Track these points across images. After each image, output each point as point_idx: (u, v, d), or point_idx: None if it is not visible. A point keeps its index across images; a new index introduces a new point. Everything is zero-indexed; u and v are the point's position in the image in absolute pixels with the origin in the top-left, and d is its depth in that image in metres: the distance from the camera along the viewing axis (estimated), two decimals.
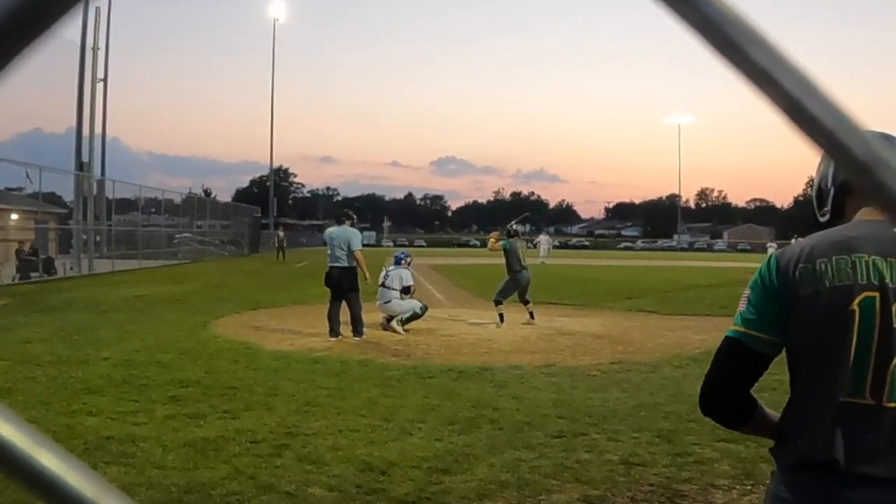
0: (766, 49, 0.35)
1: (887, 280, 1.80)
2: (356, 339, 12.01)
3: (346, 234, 12.44)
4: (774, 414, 2.07)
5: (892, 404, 1.78)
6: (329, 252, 12.47)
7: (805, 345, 1.89)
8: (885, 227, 1.85)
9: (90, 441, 6.13)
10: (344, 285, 12.26)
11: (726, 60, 0.35)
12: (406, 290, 13.70)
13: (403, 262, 14.39)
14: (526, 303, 14.73)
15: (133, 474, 5.37)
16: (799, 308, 1.87)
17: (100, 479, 0.37)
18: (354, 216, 13.43)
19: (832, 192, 1.98)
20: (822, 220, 2.07)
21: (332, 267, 12.40)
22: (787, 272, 1.90)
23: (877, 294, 1.80)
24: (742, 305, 1.99)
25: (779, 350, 1.95)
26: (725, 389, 2.03)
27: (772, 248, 53.61)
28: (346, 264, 12.30)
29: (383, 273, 13.86)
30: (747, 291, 2.00)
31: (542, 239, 50.63)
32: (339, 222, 12.88)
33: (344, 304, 12.28)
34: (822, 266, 1.85)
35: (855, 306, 1.80)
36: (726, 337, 2.00)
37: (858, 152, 0.36)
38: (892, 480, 1.77)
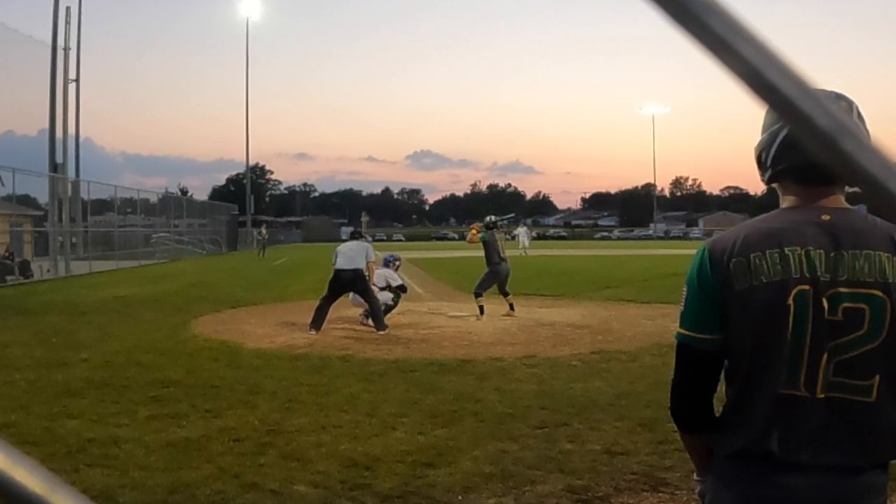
0: (725, 18, 0.35)
1: (818, 272, 1.83)
2: (380, 332, 12.19)
3: (364, 247, 13.19)
4: None
5: (824, 395, 1.82)
6: (341, 258, 12.87)
7: (742, 339, 1.91)
8: (812, 216, 1.88)
9: (71, 444, 6.08)
10: (358, 286, 12.75)
11: (685, 31, 0.35)
12: (402, 289, 14.13)
13: (392, 265, 14.51)
14: (506, 294, 14.76)
15: (116, 476, 5.34)
16: (735, 303, 1.90)
17: (48, 475, 0.36)
18: (369, 237, 15.13)
19: (769, 172, 1.99)
20: (763, 182, 2.09)
21: (344, 269, 12.72)
22: (721, 265, 1.91)
23: (809, 287, 1.82)
24: (682, 304, 2.02)
25: (726, 344, 1.97)
26: (685, 392, 2.07)
27: None
28: (360, 266, 12.78)
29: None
30: (685, 288, 2.02)
31: (521, 231, 50.73)
32: (354, 237, 13.84)
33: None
34: (757, 260, 1.86)
35: (790, 301, 1.83)
36: (676, 341, 2.05)
37: (821, 121, 0.36)
38: (825, 467, 1.82)
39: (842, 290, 1.82)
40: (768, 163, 1.97)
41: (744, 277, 1.87)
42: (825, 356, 1.81)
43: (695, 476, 2.22)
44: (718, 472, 1.99)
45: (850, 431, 1.83)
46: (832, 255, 1.83)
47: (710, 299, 1.94)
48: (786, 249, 1.85)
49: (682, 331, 2.01)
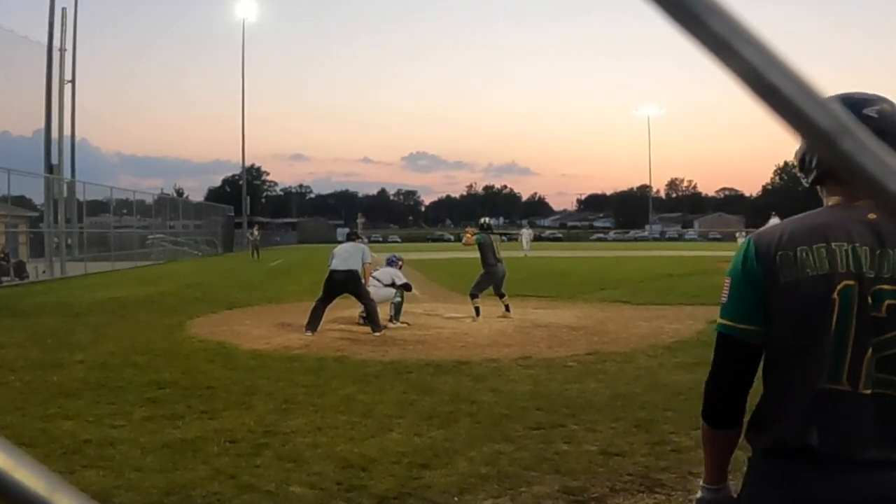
0: (726, 19, 0.35)
1: (864, 269, 1.82)
2: (376, 334, 12.17)
3: (360, 248, 13.10)
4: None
5: (868, 391, 1.81)
6: (336, 259, 12.84)
7: (784, 332, 1.90)
8: (858, 214, 1.88)
9: (67, 445, 6.08)
10: (350, 288, 12.70)
11: (686, 31, 0.35)
12: (406, 287, 14.02)
13: (395, 264, 14.54)
14: (501, 296, 14.77)
15: (112, 477, 5.34)
16: (778, 296, 1.89)
17: (50, 475, 0.36)
18: (365, 239, 14.89)
19: (814, 173, 2.00)
20: (805, 184, 2.08)
21: (338, 270, 12.72)
22: (767, 258, 1.91)
23: (855, 283, 1.82)
24: (724, 296, 2.00)
25: (766, 337, 1.96)
26: (722, 384, 2.05)
27: (741, 237, 54.47)
28: (354, 268, 12.71)
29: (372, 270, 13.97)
30: (728, 280, 2.00)
31: (524, 233, 51.86)
32: (350, 239, 13.75)
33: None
34: (803, 254, 1.86)
35: (835, 295, 1.82)
36: (717, 332, 2.02)
37: (821, 121, 0.36)
38: (866, 463, 1.80)
39: (885, 287, 1.82)
40: (813, 164, 1.99)
41: (790, 270, 1.87)
42: (869, 351, 1.81)
43: (702, 482, 2.16)
44: (756, 467, 1.97)
45: (892, 428, 1.82)
46: (877, 252, 1.83)
47: (754, 291, 1.93)
48: (832, 244, 1.85)
49: (722, 321, 2.00)
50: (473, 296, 14.55)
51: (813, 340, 1.85)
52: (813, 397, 1.85)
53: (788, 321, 1.89)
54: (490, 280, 14.79)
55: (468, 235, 15.62)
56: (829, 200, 1.99)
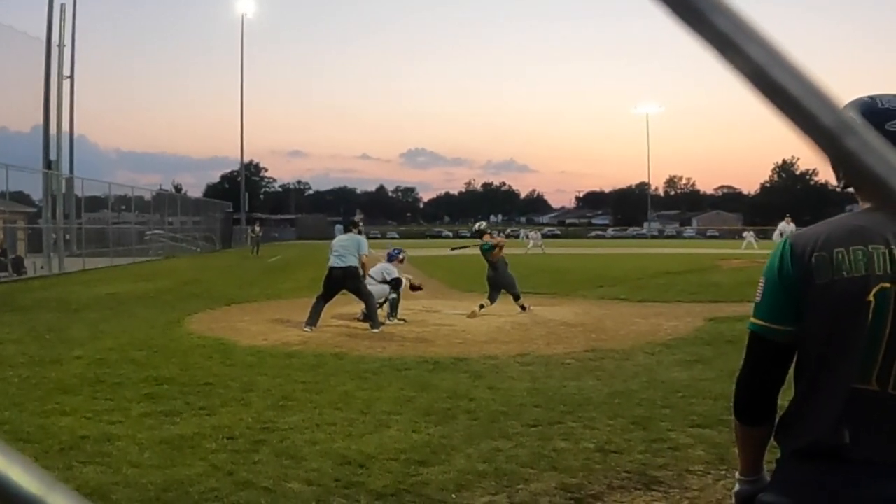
0: (730, 16, 0.35)
1: None
2: (375, 331, 12.22)
3: (356, 240, 13.03)
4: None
5: None
6: (333, 255, 12.86)
7: (817, 333, 1.90)
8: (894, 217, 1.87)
9: (65, 441, 6.07)
10: (349, 285, 12.73)
11: (690, 29, 0.35)
12: (396, 283, 13.90)
13: (395, 259, 14.49)
14: (517, 297, 14.87)
15: (109, 473, 5.33)
16: (813, 297, 1.88)
17: (45, 474, 0.36)
18: (361, 224, 14.66)
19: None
20: (839, 188, 2.07)
21: (335, 267, 12.76)
22: (803, 259, 1.90)
23: (891, 286, 1.81)
24: (758, 295, 2.01)
25: (798, 338, 1.96)
26: (752, 382, 2.06)
27: (748, 234, 54.34)
28: (351, 264, 12.71)
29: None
30: (762, 279, 2.01)
31: (532, 235, 53.46)
32: (347, 230, 13.69)
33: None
34: (840, 256, 1.85)
35: (871, 297, 1.81)
36: (749, 331, 2.03)
37: (825, 119, 0.36)
38: (893, 465, 1.79)
39: None
40: None
41: (825, 271, 1.87)
42: None
43: (738, 474, 2.18)
44: (786, 468, 1.97)
45: None
46: None
47: (788, 291, 1.93)
48: (870, 247, 1.84)
49: (755, 321, 2.00)
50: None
51: (845, 342, 1.85)
52: (843, 397, 1.85)
53: (822, 322, 1.89)
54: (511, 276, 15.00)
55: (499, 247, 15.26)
56: (867, 203, 1.98)
